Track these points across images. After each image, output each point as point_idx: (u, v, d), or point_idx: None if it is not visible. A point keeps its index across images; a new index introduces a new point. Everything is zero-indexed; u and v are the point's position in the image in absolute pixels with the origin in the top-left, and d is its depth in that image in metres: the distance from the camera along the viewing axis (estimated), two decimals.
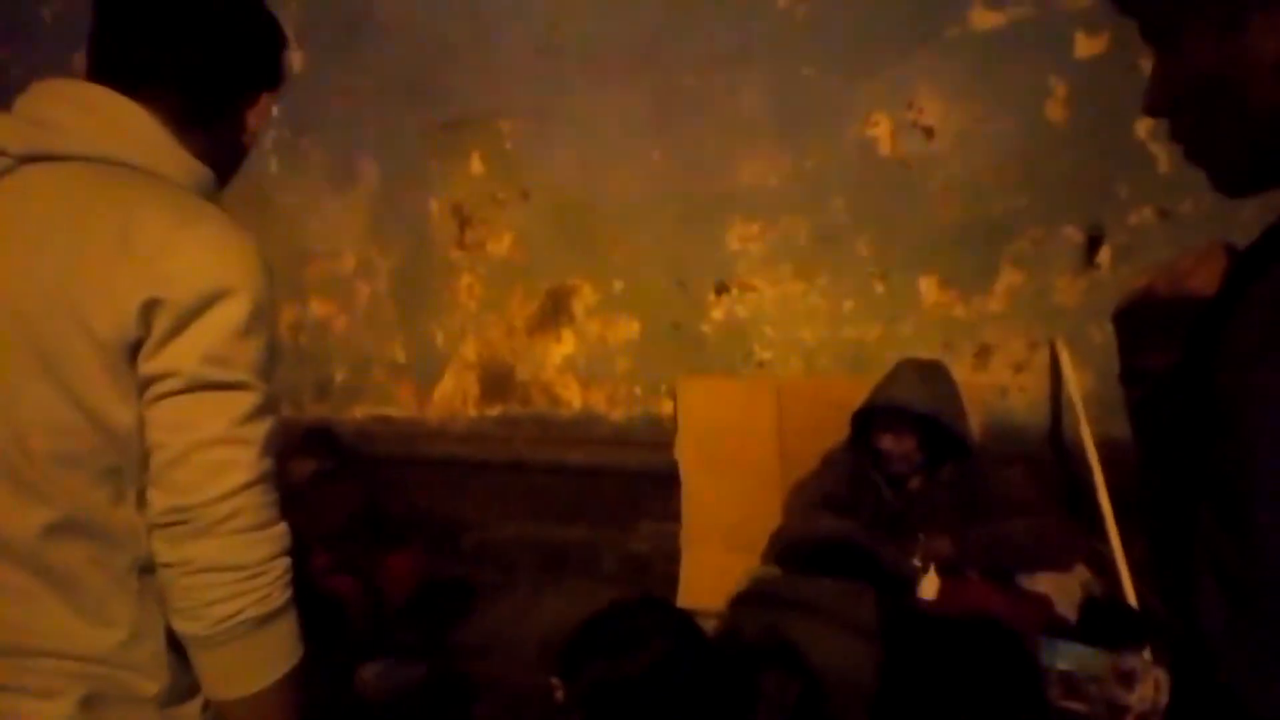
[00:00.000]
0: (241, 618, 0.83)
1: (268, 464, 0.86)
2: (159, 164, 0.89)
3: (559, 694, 1.24)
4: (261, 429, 0.85)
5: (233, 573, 0.82)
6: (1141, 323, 0.88)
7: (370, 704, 2.41)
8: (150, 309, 0.81)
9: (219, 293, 0.83)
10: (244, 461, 0.83)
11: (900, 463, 2.26)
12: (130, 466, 0.84)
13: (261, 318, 0.86)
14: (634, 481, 3.31)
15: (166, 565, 0.83)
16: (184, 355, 0.82)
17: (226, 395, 0.83)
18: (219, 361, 0.82)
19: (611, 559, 3.43)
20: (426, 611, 2.92)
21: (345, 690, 2.41)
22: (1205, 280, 0.80)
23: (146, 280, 0.81)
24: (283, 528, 0.88)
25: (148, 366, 0.82)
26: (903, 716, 1.38)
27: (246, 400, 0.84)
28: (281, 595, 0.87)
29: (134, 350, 0.82)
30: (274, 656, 0.87)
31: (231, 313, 0.83)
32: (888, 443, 2.25)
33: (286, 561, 0.88)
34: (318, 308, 3.64)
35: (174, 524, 0.82)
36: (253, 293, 0.85)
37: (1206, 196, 2.51)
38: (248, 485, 0.83)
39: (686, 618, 1.28)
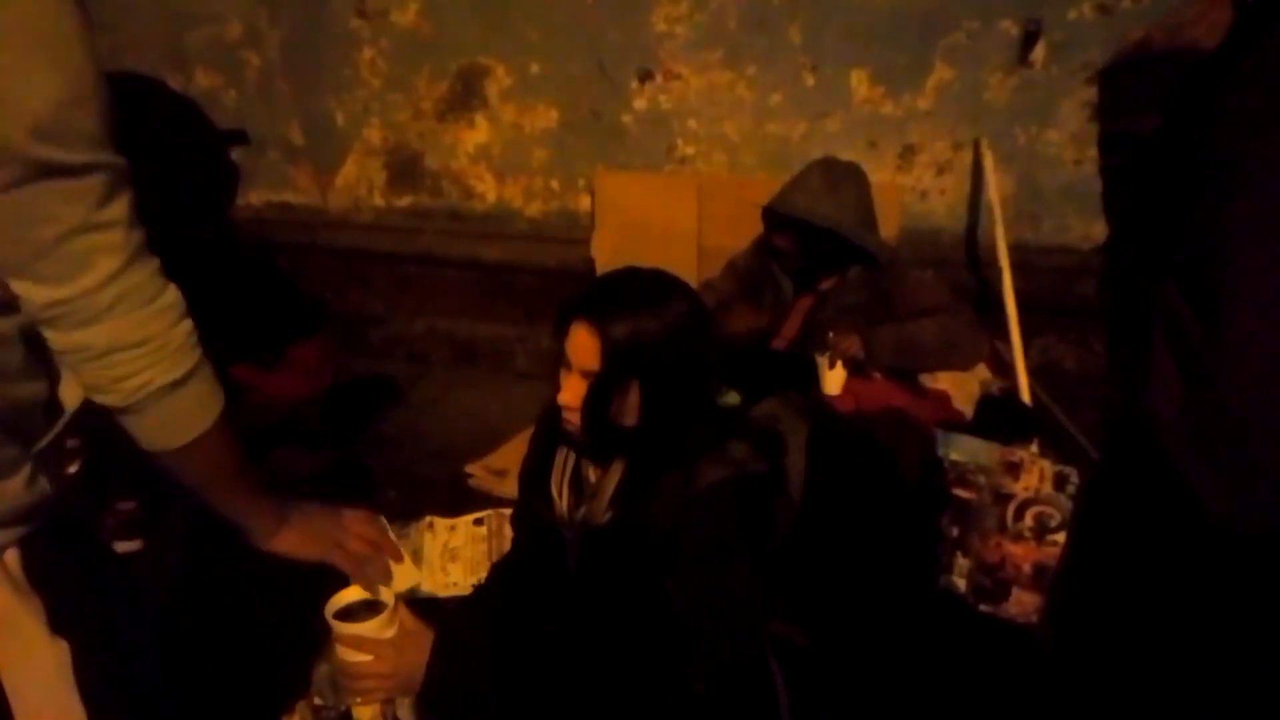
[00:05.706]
0: (154, 386, 0.82)
1: (139, 234, 0.80)
2: None
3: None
4: (123, 204, 0.78)
5: (134, 349, 0.80)
6: (1131, 79, 0.81)
7: (277, 487, 2.39)
8: None
9: None
10: (113, 244, 0.77)
11: (787, 259, 2.25)
12: None
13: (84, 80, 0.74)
14: (549, 278, 3.23)
15: (64, 352, 0.80)
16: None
17: (75, 183, 0.74)
18: (50, 139, 0.71)
19: (524, 356, 3.42)
20: (340, 407, 2.87)
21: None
22: (1207, 31, 0.72)
23: None
24: (173, 293, 0.83)
25: None
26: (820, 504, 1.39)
27: (99, 181, 0.75)
28: (190, 357, 0.85)
29: None
30: (195, 412, 0.88)
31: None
32: (778, 241, 2.23)
33: (187, 325, 0.85)
34: (203, 79, 3.30)
35: (57, 316, 0.77)
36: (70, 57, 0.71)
37: None
38: (125, 267, 0.78)
39: (697, 295, 1.23)
